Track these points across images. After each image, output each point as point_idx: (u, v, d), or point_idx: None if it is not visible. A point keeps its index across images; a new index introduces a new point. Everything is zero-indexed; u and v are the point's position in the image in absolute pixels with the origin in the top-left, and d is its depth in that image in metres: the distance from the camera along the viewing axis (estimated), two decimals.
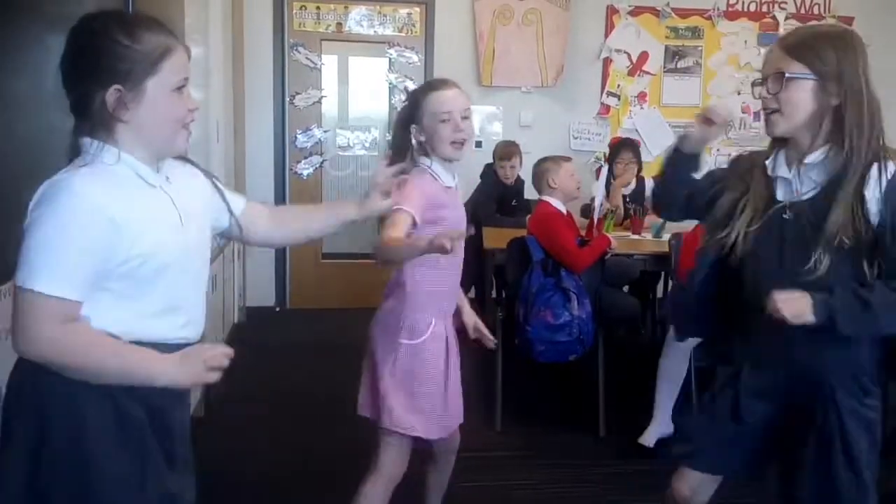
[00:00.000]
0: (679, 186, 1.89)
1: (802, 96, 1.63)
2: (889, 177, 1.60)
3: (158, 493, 1.42)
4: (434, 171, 2.16)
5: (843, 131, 1.62)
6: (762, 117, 1.75)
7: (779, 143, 1.76)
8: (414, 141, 2.15)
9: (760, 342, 1.82)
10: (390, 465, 2.17)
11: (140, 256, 1.37)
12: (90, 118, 1.36)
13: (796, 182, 1.71)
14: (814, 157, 1.68)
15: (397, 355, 2.11)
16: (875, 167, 1.61)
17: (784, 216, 1.72)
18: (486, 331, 2.36)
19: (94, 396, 1.35)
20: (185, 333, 1.48)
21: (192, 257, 1.50)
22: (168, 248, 1.42)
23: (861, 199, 1.60)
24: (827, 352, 1.70)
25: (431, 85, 2.21)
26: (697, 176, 1.87)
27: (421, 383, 2.13)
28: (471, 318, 2.36)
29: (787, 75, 1.63)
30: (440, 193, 2.14)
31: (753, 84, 1.75)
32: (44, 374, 1.33)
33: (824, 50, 1.62)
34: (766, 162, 1.76)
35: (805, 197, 1.70)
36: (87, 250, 1.31)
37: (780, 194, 1.75)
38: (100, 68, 1.34)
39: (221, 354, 1.42)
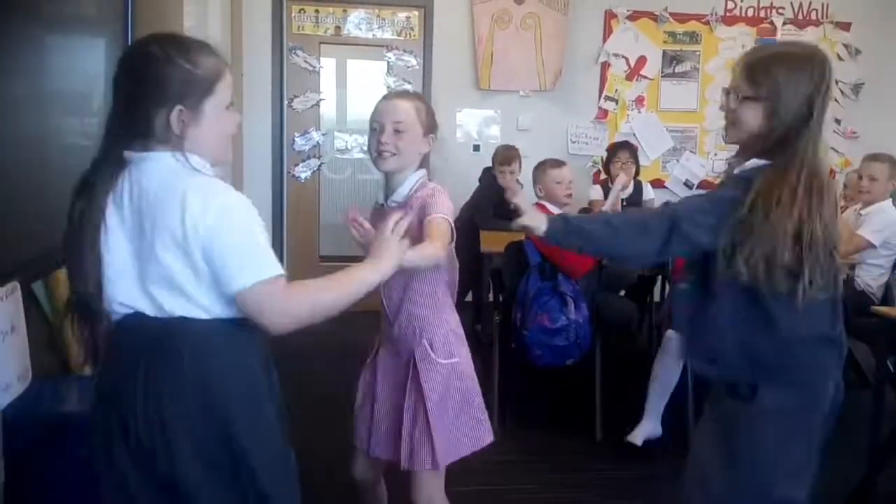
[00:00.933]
0: None
1: (751, 116, 1.70)
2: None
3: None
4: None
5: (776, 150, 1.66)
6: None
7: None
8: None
9: None
10: None
11: None
12: (150, 136, 1.45)
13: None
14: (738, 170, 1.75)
15: None
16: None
17: None
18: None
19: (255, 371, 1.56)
20: None
21: None
22: None
23: None
24: None
25: (385, 94, 2.13)
26: None
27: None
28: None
29: (741, 96, 1.71)
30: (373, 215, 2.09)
31: (724, 90, 1.80)
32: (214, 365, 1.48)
33: (777, 75, 1.67)
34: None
35: None
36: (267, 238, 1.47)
37: None
38: (163, 90, 1.43)
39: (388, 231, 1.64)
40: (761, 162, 1.67)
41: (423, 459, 2.03)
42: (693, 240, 1.66)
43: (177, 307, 1.45)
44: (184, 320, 1.45)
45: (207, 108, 1.47)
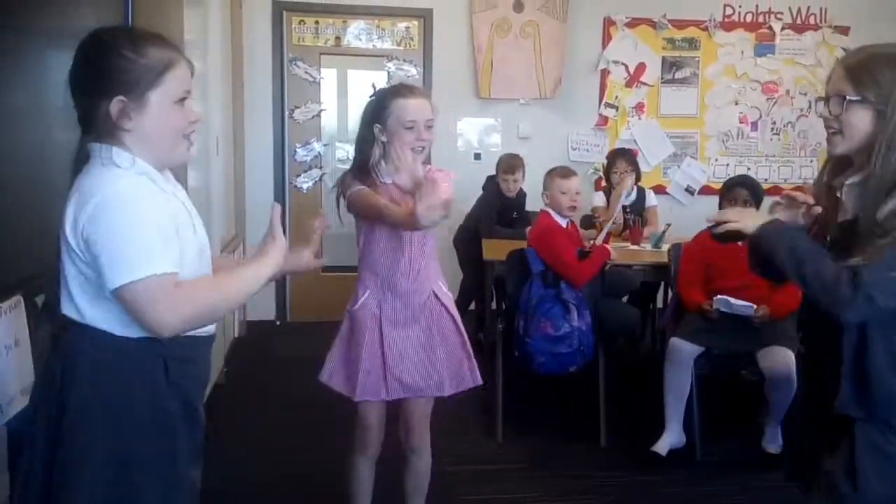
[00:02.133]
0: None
1: (862, 119, 1.60)
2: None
3: (182, 479, 1.52)
4: (378, 170, 2.29)
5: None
6: (825, 135, 1.70)
7: (841, 161, 1.72)
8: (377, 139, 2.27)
9: None
10: (356, 431, 2.41)
11: None
12: (96, 128, 1.42)
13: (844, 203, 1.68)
14: (854, 179, 1.65)
15: (344, 319, 2.41)
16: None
17: (827, 238, 1.70)
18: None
19: (137, 390, 1.44)
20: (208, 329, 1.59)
21: (203, 257, 1.58)
22: (188, 251, 1.50)
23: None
24: None
25: (399, 91, 2.28)
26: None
27: (350, 348, 2.34)
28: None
29: (847, 99, 1.60)
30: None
31: (817, 100, 1.72)
32: (89, 368, 1.42)
33: (883, 74, 1.58)
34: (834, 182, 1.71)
35: (844, 219, 1.67)
36: (159, 232, 1.39)
37: (840, 215, 1.71)
38: (105, 80, 1.40)
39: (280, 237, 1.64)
40: None
41: (469, 376, 2.37)
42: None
43: (70, 310, 1.44)
44: (74, 325, 1.44)
45: (153, 100, 1.42)
